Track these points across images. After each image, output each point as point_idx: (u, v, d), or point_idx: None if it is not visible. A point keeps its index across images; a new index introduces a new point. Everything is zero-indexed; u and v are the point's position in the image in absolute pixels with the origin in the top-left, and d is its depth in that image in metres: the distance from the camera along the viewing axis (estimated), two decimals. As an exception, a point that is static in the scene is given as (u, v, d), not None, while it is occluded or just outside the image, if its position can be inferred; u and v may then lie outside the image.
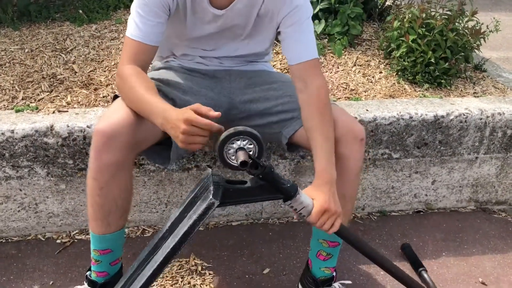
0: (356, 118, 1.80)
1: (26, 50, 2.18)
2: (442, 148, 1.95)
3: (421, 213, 2.10)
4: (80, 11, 2.47)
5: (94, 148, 1.23)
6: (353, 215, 2.05)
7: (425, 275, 1.67)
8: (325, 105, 1.31)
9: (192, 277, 1.66)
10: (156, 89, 1.25)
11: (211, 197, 1.05)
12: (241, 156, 1.03)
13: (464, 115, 1.90)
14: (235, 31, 1.41)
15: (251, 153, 1.06)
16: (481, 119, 1.91)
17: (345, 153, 1.32)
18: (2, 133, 1.60)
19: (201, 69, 1.52)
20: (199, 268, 1.71)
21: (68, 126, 1.64)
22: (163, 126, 1.12)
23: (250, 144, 1.06)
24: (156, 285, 1.62)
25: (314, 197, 1.20)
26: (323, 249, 1.45)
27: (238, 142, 1.06)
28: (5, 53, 2.15)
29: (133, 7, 1.28)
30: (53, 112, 1.73)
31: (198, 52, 1.49)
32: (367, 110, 1.85)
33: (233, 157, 1.07)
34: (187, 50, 1.49)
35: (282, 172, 1.88)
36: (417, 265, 1.73)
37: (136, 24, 1.27)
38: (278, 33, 1.41)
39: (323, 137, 1.26)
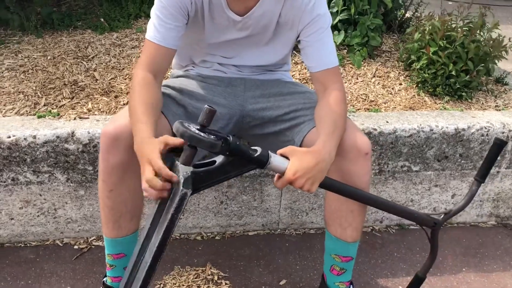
0: (376, 129, 1.79)
1: (49, 57, 2.22)
2: (462, 161, 1.92)
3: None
4: (102, 20, 2.51)
5: (101, 150, 1.24)
6: (371, 227, 2.03)
7: None
8: (341, 102, 1.32)
9: (208, 286, 1.65)
10: (155, 107, 1.23)
11: (181, 187, 1.03)
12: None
13: (485, 128, 1.87)
14: (254, 39, 1.41)
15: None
16: (503, 132, 1.88)
17: (350, 169, 1.29)
18: (25, 139, 1.62)
19: (218, 76, 1.52)
20: (215, 278, 1.70)
21: (88, 133, 1.65)
22: (137, 154, 1.11)
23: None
24: (172, 293, 1.61)
25: (292, 159, 1.13)
26: (336, 263, 1.43)
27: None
28: (28, 59, 2.19)
29: (153, 10, 1.30)
30: (74, 118, 1.75)
31: (217, 59, 1.50)
32: (387, 122, 1.84)
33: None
34: (206, 56, 1.50)
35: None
36: None
37: (154, 27, 1.29)
38: (298, 41, 1.42)
39: (329, 124, 1.25)
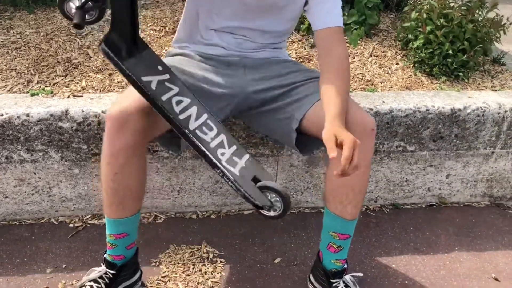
0: (372, 109, 1.78)
1: (41, 34, 2.18)
2: (458, 142, 1.92)
3: (434, 207, 2.09)
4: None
5: (107, 133, 1.23)
6: (366, 207, 2.04)
7: None
8: (345, 70, 1.35)
9: (203, 265, 1.67)
10: None
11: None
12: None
13: (481, 109, 1.87)
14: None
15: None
16: (499, 113, 1.88)
17: None
18: (18, 117, 1.60)
19: (218, 55, 1.50)
20: (211, 256, 1.71)
21: (83, 111, 1.64)
22: None
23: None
24: (168, 271, 1.63)
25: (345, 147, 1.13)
26: (333, 241, 1.44)
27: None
28: (20, 36, 2.15)
29: None
30: (68, 96, 1.73)
31: (221, 22, 1.46)
32: (383, 102, 1.83)
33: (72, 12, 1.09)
34: (209, 23, 1.47)
35: (296, 162, 1.87)
36: None
37: None
38: (306, 3, 1.41)
39: (336, 93, 1.27)
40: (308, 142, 1.45)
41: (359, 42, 2.36)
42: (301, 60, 2.18)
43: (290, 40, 2.34)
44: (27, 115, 1.61)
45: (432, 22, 2.13)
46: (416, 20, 2.22)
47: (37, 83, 1.84)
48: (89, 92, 1.79)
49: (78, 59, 2.02)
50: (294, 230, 1.87)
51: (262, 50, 1.53)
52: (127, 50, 1.18)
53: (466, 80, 2.12)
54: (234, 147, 1.24)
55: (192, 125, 1.19)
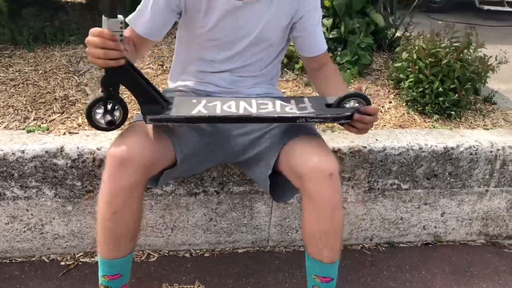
0: (365, 147, 1.80)
1: (40, 72, 2.21)
2: (452, 180, 1.93)
3: (430, 245, 2.07)
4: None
5: (108, 172, 1.23)
6: (361, 245, 2.03)
7: None
8: (339, 75, 1.56)
9: (196, 305, 1.63)
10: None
11: None
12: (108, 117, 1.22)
13: (474, 147, 1.89)
14: (253, 25, 1.42)
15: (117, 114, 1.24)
16: (491, 151, 1.90)
17: (315, 190, 1.26)
18: (13, 153, 1.61)
19: (211, 91, 1.53)
20: (204, 296, 1.68)
21: (78, 148, 1.64)
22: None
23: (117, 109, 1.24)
24: (160, 311, 1.59)
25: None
26: (317, 284, 1.41)
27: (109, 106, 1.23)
28: (19, 73, 2.19)
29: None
30: (64, 133, 1.74)
31: (210, 66, 1.49)
32: (376, 140, 1.85)
33: (101, 120, 1.24)
34: (201, 64, 1.50)
35: (290, 200, 1.87)
36: None
37: (137, 10, 1.39)
38: (292, 29, 1.46)
39: (338, 83, 1.46)
40: (285, 187, 1.45)
41: (352, 81, 2.40)
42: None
43: (284, 79, 2.38)
44: (22, 151, 1.61)
45: (422, 62, 2.18)
46: (406, 60, 2.27)
47: (34, 120, 1.85)
48: (85, 129, 1.80)
49: (75, 96, 2.04)
50: (289, 269, 1.85)
51: (254, 86, 1.55)
52: (163, 105, 1.26)
53: (458, 119, 2.15)
54: (292, 100, 1.35)
55: (254, 110, 1.28)
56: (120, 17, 1.12)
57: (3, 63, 2.28)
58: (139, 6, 1.41)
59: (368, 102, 1.30)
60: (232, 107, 1.29)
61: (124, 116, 1.26)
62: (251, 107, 1.30)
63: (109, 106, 1.23)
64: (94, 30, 1.10)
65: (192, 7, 1.38)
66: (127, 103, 1.27)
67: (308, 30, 1.47)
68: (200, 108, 1.27)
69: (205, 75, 1.52)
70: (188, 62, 1.54)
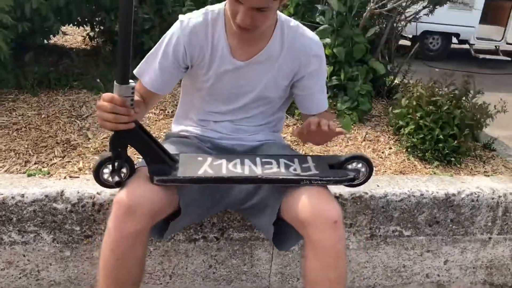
0: (366, 193, 1.79)
1: (43, 116, 2.24)
2: (454, 227, 1.91)
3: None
4: (98, 80, 2.56)
5: (113, 218, 1.21)
6: (363, 294, 1.98)
7: None
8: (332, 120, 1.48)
9: None
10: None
11: None
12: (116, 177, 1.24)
13: (475, 194, 1.88)
14: (253, 84, 1.44)
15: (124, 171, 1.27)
16: (493, 198, 1.89)
17: (319, 238, 1.25)
18: (12, 197, 1.60)
19: (214, 137, 1.53)
20: None
21: (78, 192, 1.63)
22: None
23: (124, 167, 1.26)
24: None
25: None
26: None
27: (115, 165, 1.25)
28: (22, 118, 2.21)
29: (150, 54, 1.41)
30: (65, 177, 1.74)
31: (212, 115, 1.51)
32: (378, 186, 1.84)
33: (109, 179, 1.27)
34: (203, 114, 1.51)
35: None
36: None
37: (147, 70, 1.40)
38: (292, 85, 1.46)
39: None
40: (288, 234, 1.43)
41: (352, 127, 2.43)
42: (296, 143, 2.23)
43: (285, 124, 2.40)
44: (22, 195, 1.60)
45: (422, 109, 2.21)
46: (406, 107, 2.31)
47: (35, 163, 1.85)
48: (86, 173, 1.79)
49: (77, 140, 2.05)
50: (289, 319, 1.80)
51: (256, 133, 1.56)
52: (170, 165, 1.28)
53: (458, 165, 2.16)
54: (296, 159, 1.36)
55: (259, 170, 1.29)
56: (131, 82, 1.15)
57: (6, 107, 2.30)
58: (146, 58, 1.43)
59: (370, 164, 1.34)
60: (237, 167, 1.31)
61: (131, 173, 1.28)
62: (256, 167, 1.31)
63: (116, 165, 1.25)
64: (105, 95, 1.13)
65: (196, 63, 1.41)
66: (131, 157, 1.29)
67: (307, 90, 1.47)
68: (206, 168, 1.29)
69: (208, 123, 1.53)
70: (191, 109, 1.56)
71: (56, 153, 1.94)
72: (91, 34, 3.15)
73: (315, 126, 1.25)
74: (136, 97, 1.25)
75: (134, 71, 1.42)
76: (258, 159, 1.35)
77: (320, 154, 2.15)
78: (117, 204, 1.21)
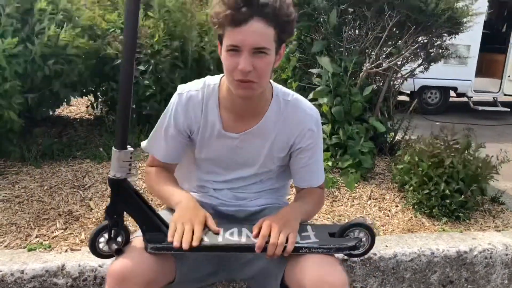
0: (375, 254, 1.74)
1: (45, 187, 2.23)
2: (469, 286, 1.84)
3: None
4: (101, 149, 2.58)
5: None
6: None
7: None
8: (320, 197, 1.45)
9: None
10: (175, 180, 1.43)
11: None
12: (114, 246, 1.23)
13: (488, 250, 1.82)
14: (248, 156, 1.42)
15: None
16: (507, 254, 1.83)
17: None
18: (12, 274, 1.56)
19: (214, 204, 1.51)
20: None
21: (79, 266, 1.59)
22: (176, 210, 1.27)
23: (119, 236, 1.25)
24: None
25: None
26: None
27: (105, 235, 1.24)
28: (25, 190, 2.20)
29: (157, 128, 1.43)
30: (66, 250, 1.71)
31: (211, 184, 1.50)
32: (386, 246, 1.79)
33: (105, 249, 1.25)
34: (202, 181, 1.50)
35: None
36: None
37: (158, 143, 1.42)
38: (290, 155, 1.44)
39: (302, 201, 1.38)
40: None
41: (356, 185, 2.41)
42: (301, 205, 2.20)
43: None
44: (22, 271, 1.56)
45: (425, 164, 2.20)
46: (409, 163, 2.29)
47: (36, 237, 1.82)
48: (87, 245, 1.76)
49: (79, 211, 2.03)
50: None
51: (258, 198, 1.53)
52: (166, 233, 1.25)
53: (467, 221, 2.11)
54: None
55: (252, 239, 1.26)
56: (129, 148, 1.16)
57: (10, 180, 2.30)
58: (152, 134, 1.45)
59: (371, 232, 1.31)
60: (234, 235, 1.27)
61: (127, 241, 1.27)
62: (250, 235, 1.27)
63: (112, 233, 1.23)
64: None
65: (193, 134, 1.42)
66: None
67: (301, 164, 1.43)
68: (202, 236, 1.26)
69: (207, 190, 1.52)
70: (190, 176, 1.55)
71: (58, 225, 1.92)
72: (95, 103, 3.21)
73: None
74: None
75: (143, 147, 1.47)
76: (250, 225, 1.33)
77: (324, 214, 2.11)
78: (111, 275, 1.18)
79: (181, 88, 1.40)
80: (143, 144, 1.48)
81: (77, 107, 3.67)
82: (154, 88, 2.74)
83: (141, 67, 2.72)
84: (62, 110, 3.48)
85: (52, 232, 1.87)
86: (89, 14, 2.76)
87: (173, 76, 2.78)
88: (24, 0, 2.37)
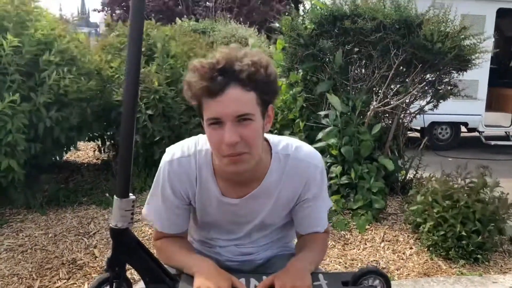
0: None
1: (50, 235, 2.19)
2: (492, 334, 1.73)
3: None
4: (107, 195, 2.55)
5: None
6: None
7: None
8: (324, 243, 1.35)
9: None
10: (190, 245, 1.33)
11: None
12: None
13: (510, 295, 1.73)
14: (252, 216, 1.37)
15: None
16: (530, 299, 1.73)
17: None
18: (10, 329, 1.50)
19: (218, 259, 1.44)
20: None
21: (80, 319, 1.53)
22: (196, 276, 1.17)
23: None
24: None
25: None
26: None
27: None
28: (29, 239, 2.16)
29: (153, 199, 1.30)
30: (67, 303, 1.65)
31: (215, 241, 1.43)
32: (402, 293, 1.71)
33: None
34: (204, 239, 1.45)
35: None
36: None
37: (160, 217, 1.28)
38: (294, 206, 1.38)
39: (308, 250, 1.27)
40: None
41: (369, 227, 2.33)
42: (311, 249, 2.12)
43: (298, 228, 2.32)
44: (21, 326, 1.50)
45: (439, 204, 2.13)
46: (422, 203, 2.22)
47: (38, 288, 1.77)
48: (90, 297, 1.70)
49: (83, 260, 1.98)
50: None
51: (264, 251, 1.47)
52: (169, 285, 1.20)
53: (486, 263, 2.02)
54: None
55: None
56: (131, 196, 1.11)
57: (14, 228, 2.27)
58: (148, 201, 1.30)
59: (386, 279, 1.23)
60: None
61: None
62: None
63: (114, 286, 1.17)
64: None
65: (191, 201, 1.35)
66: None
67: (304, 212, 1.34)
68: None
69: (212, 247, 1.45)
70: (194, 233, 1.49)
71: (60, 275, 1.86)
72: (102, 148, 3.21)
73: None
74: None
75: (144, 214, 1.31)
76: (264, 277, 1.26)
77: (336, 258, 2.03)
78: None
79: (170, 153, 1.30)
80: (144, 212, 1.39)
81: (85, 152, 3.67)
82: (163, 132, 2.73)
83: (150, 111, 2.71)
84: (70, 155, 3.48)
85: (55, 282, 1.81)
86: (95, 58, 2.80)
87: (184, 118, 2.77)
88: (32, 52, 2.39)
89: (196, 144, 1.26)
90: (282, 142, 1.33)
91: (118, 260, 1.18)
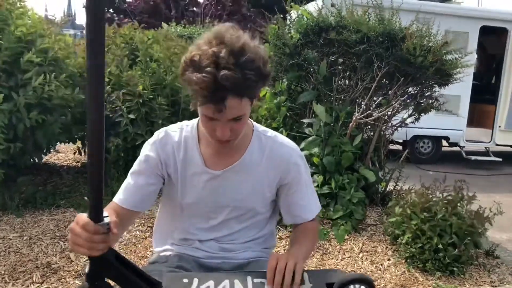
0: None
1: (25, 238, 2.15)
2: None
3: None
4: (86, 198, 2.51)
5: None
6: None
7: None
8: (314, 232, 1.36)
9: None
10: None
11: None
12: None
13: (484, 308, 1.74)
14: (231, 194, 1.37)
15: None
16: (503, 312, 1.75)
17: None
18: (-22, 333, 1.46)
19: (199, 257, 1.44)
20: None
21: (52, 324, 1.50)
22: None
23: None
24: None
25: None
26: None
27: None
28: (3, 241, 2.12)
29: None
30: (39, 307, 1.61)
31: (195, 234, 1.43)
32: (378, 303, 1.71)
33: None
34: (186, 233, 1.44)
35: None
36: None
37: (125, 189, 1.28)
38: (277, 193, 1.39)
39: (300, 244, 1.27)
40: None
41: (348, 237, 2.34)
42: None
43: (278, 236, 2.31)
44: (-10, 330, 1.47)
45: (417, 217, 2.14)
46: (401, 215, 2.24)
47: (9, 291, 1.73)
48: (63, 301, 1.67)
49: (58, 264, 1.95)
50: None
51: (244, 251, 1.47)
52: None
53: (462, 275, 2.04)
54: None
55: None
56: (106, 220, 1.06)
57: (-12, 230, 2.22)
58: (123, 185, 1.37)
59: (366, 280, 1.24)
60: None
61: None
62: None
63: None
64: (80, 219, 1.03)
65: (171, 174, 1.37)
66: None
67: (289, 200, 1.36)
68: None
69: (192, 242, 1.45)
70: (173, 229, 1.48)
71: (34, 279, 1.83)
72: (82, 150, 3.17)
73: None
74: (113, 217, 1.17)
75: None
76: (249, 279, 1.25)
77: (314, 267, 2.03)
78: None
79: (156, 133, 1.38)
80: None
81: (65, 154, 3.62)
82: (145, 136, 2.71)
83: (132, 116, 2.70)
84: (50, 157, 3.43)
85: (28, 286, 1.78)
86: (79, 61, 2.77)
87: (166, 123, 2.76)
88: (12, 49, 2.36)
89: (182, 124, 1.35)
90: (262, 126, 1.41)
91: (97, 274, 1.15)
